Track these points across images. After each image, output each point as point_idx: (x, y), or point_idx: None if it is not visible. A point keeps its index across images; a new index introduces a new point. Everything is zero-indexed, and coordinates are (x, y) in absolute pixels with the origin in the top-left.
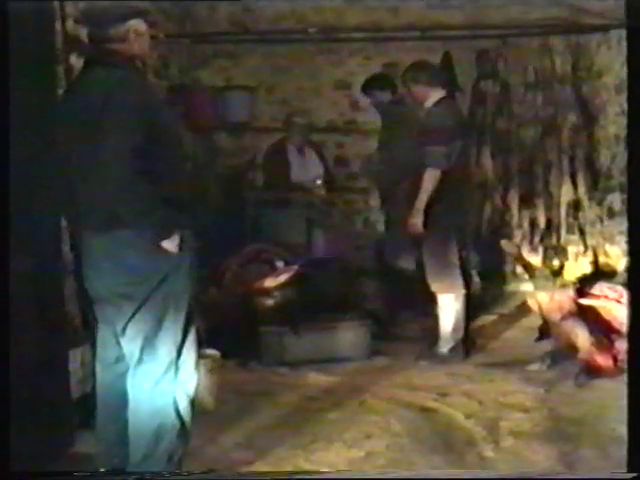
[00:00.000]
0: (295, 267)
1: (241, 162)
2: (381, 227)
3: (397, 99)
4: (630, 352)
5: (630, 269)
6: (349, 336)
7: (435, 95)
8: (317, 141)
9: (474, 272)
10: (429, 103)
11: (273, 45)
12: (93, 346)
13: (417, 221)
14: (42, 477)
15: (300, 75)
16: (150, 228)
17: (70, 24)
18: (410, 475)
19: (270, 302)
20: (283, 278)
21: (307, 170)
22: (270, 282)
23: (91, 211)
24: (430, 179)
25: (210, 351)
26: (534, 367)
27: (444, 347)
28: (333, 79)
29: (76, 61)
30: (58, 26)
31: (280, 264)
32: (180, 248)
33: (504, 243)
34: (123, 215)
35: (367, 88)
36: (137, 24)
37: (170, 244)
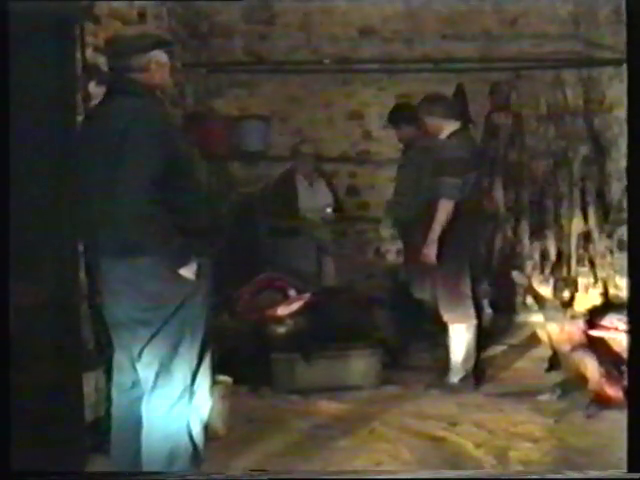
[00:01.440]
0: (307, 295)
1: (254, 191)
2: (392, 257)
3: (421, 133)
4: (630, 353)
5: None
6: (360, 364)
7: (449, 127)
8: (329, 171)
9: (485, 302)
10: (443, 135)
11: (287, 75)
12: (107, 371)
13: (430, 252)
14: (42, 477)
15: (314, 105)
16: (168, 255)
17: (89, 52)
18: (410, 475)
19: (282, 330)
20: (295, 306)
21: (316, 199)
22: (282, 310)
23: (110, 238)
24: (444, 210)
25: (222, 377)
26: (544, 397)
27: (455, 377)
28: (347, 110)
29: (94, 89)
30: (78, 54)
31: (292, 292)
32: (197, 275)
33: (515, 274)
34: (142, 243)
35: (394, 119)
36: (158, 55)
37: (187, 271)
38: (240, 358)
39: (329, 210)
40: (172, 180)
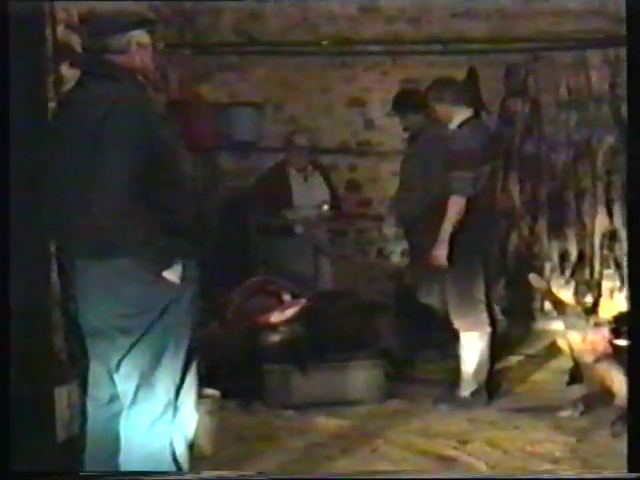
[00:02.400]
0: (303, 301)
1: (245, 185)
2: (396, 258)
3: (430, 121)
4: (630, 351)
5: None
6: (361, 377)
7: (461, 115)
8: (328, 163)
9: (499, 308)
10: (454, 124)
11: (282, 58)
12: (82, 384)
13: (441, 253)
14: (42, 477)
15: (310, 91)
16: (150, 257)
17: (61, 30)
18: (410, 475)
19: (276, 338)
20: (290, 312)
21: (311, 195)
22: (276, 317)
23: (86, 237)
24: (455, 207)
25: (209, 391)
26: (565, 414)
27: (466, 390)
28: (346, 96)
29: (67, 72)
30: (48, 32)
31: (287, 297)
32: (182, 278)
33: (532, 277)
34: (121, 243)
35: (399, 106)
36: (140, 35)
37: (171, 274)
38: (229, 370)
39: (326, 207)
40: (154, 174)
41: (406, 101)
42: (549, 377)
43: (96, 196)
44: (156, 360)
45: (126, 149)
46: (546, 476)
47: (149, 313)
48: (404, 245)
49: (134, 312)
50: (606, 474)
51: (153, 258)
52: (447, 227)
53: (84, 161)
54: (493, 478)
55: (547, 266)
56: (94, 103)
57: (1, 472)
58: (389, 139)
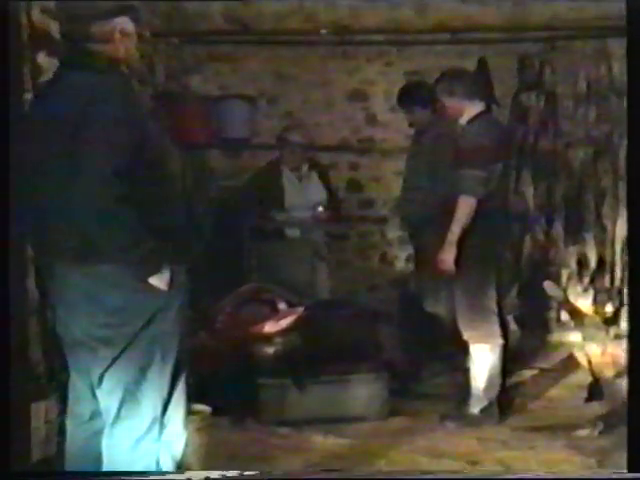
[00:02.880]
0: (300, 310)
1: (237, 185)
2: (400, 264)
3: (438, 117)
4: (630, 351)
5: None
6: (363, 392)
7: (472, 110)
8: (327, 162)
9: (511, 319)
10: (464, 119)
11: (277, 47)
12: (60, 399)
13: (449, 257)
14: (42, 477)
15: (308, 84)
16: (136, 262)
17: (37, 15)
18: (411, 475)
19: (270, 350)
20: (285, 322)
21: (305, 196)
22: (270, 327)
23: (66, 241)
24: (464, 208)
25: (198, 406)
26: (583, 433)
27: (475, 406)
28: (347, 89)
29: (45, 61)
30: (23, 17)
31: (282, 306)
32: (170, 285)
33: (547, 285)
34: (104, 246)
35: (404, 100)
36: (124, 22)
37: (158, 280)
38: (220, 384)
39: (320, 209)
40: (140, 172)
41: (412, 94)
42: (566, 393)
43: (77, 196)
44: (141, 373)
45: (109, 145)
46: (546, 476)
47: (134, 322)
48: (409, 250)
49: (118, 321)
50: (606, 474)
51: (139, 263)
52: (456, 230)
53: (64, 158)
54: (493, 478)
55: (564, 273)
56: (74, 95)
57: (1, 472)
58: (393, 135)
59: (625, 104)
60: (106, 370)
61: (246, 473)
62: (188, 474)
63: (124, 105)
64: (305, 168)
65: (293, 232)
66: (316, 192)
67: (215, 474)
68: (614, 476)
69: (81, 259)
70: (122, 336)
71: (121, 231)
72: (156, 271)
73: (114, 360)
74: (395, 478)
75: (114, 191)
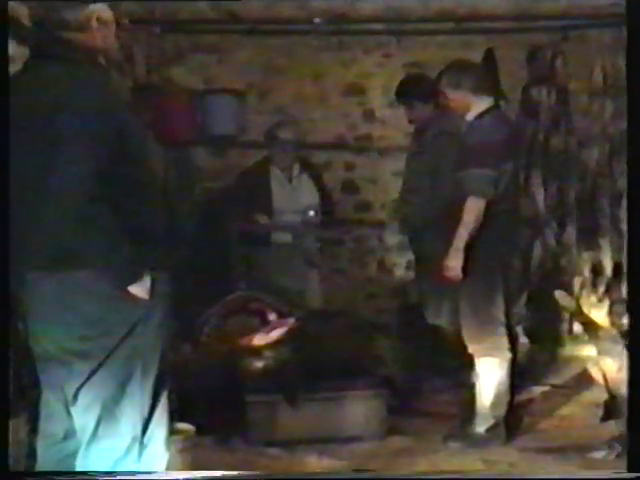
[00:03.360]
0: (291, 321)
1: (224, 186)
2: (400, 271)
3: (441, 113)
4: (630, 353)
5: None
6: (359, 409)
7: (479, 105)
8: (321, 161)
9: (520, 330)
10: (471, 115)
11: (267, 38)
12: (31, 418)
13: (455, 264)
14: (42, 477)
15: (301, 77)
16: (114, 268)
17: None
18: (410, 475)
19: (259, 364)
20: (276, 334)
21: (296, 199)
22: (260, 339)
23: (38, 246)
24: (472, 211)
25: (182, 425)
26: (598, 455)
27: (481, 426)
28: (343, 82)
29: (15, 50)
30: None
31: (272, 316)
32: (151, 294)
33: (559, 294)
34: (80, 252)
35: (405, 95)
36: (101, 9)
37: (139, 289)
38: (205, 401)
39: (312, 213)
40: (119, 170)
41: (412, 88)
42: (579, 411)
43: (50, 196)
44: (120, 389)
45: (86, 142)
46: (546, 476)
47: (112, 334)
48: (409, 256)
49: (95, 333)
50: (607, 474)
51: (117, 270)
52: (463, 233)
53: (36, 156)
54: (493, 478)
55: (577, 281)
56: (47, 88)
57: (0, 472)
58: (392, 133)
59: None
60: (82, 385)
61: (246, 473)
62: (186, 474)
63: (102, 99)
64: (296, 168)
65: (284, 237)
66: (308, 194)
67: (216, 474)
68: (614, 476)
69: (55, 266)
70: (100, 349)
71: (98, 234)
72: (136, 278)
73: (91, 375)
74: (395, 478)
75: (91, 190)
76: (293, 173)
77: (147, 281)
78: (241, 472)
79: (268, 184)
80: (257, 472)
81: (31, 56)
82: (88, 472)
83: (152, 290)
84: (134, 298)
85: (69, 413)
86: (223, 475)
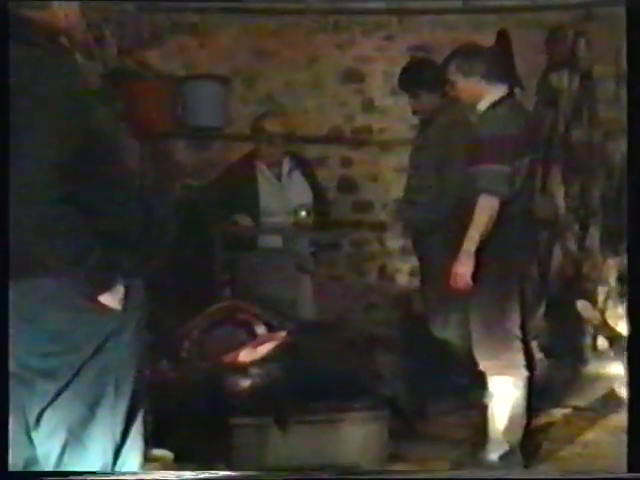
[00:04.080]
0: (282, 334)
1: (207, 183)
2: (403, 278)
3: (448, 102)
4: (629, 351)
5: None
6: (358, 433)
7: (493, 93)
8: (314, 156)
9: (537, 345)
10: (483, 105)
11: (254, 17)
12: None
13: (465, 270)
14: (42, 477)
15: (292, 61)
16: (83, 276)
17: None
18: (410, 475)
19: (246, 383)
20: (265, 349)
21: (285, 198)
22: (247, 355)
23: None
24: (485, 211)
25: (159, 452)
26: None
27: (494, 452)
28: (339, 68)
29: None
30: None
31: (261, 329)
32: (124, 304)
33: (581, 305)
34: (46, 258)
35: (409, 83)
36: None
37: (110, 298)
38: (185, 424)
39: (303, 213)
40: (88, 167)
41: (417, 75)
42: (605, 437)
43: (11, 196)
44: (89, 411)
45: (49, 134)
46: (548, 476)
47: (81, 349)
48: (412, 262)
49: (61, 349)
50: (607, 474)
51: (87, 277)
52: (474, 236)
53: None
54: (493, 478)
55: (601, 291)
56: (3, 75)
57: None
58: (394, 125)
59: None
60: (46, 408)
61: (244, 473)
62: (185, 474)
63: (67, 86)
64: (286, 164)
65: (274, 241)
66: (299, 193)
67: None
68: (614, 476)
69: (17, 273)
70: (66, 366)
71: (66, 239)
72: (108, 287)
73: (57, 396)
74: (395, 478)
75: (55, 188)
76: (283, 170)
77: (120, 290)
78: (241, 472)
79: (254, 182)
80: (257, 472)
81: None
82: (87, 472)
83: (125, 300)
84: (105, 309)
85: (30, 439)
86: (224, 475)
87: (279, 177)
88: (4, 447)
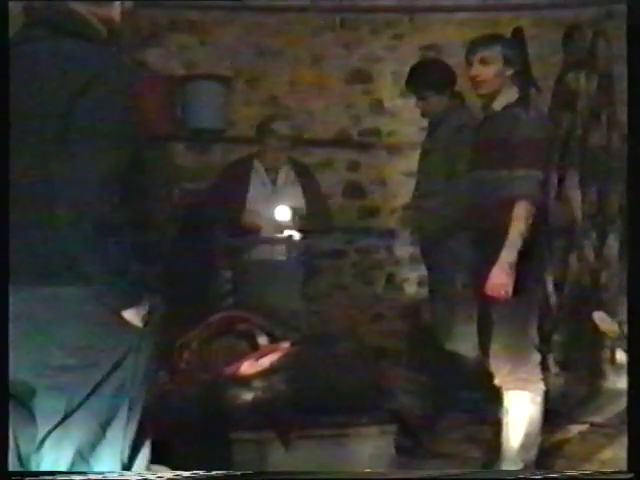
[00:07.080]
0: (285, 345)
1: (207, 187)
2: (411, 288)
3: (458, 103)
4: (630, 350)
5: None
6: (365, 449)
7: (508, 93)
8: (320, 159)
9: (552, 359)
10: (498, 104)
11: (258, 15)
12: None
13: (506, 280)
14: (41, 477)
15: (297, 61)
16: (114, 290)
17: None
18: (410, 475)
19: (248, 396)
20: (268, 361)
21: (275, 201)
22: (249, 367)
23: (26, 257)
24: (523, 218)
25: (156, 467)
26: None
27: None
28: (346, 68)
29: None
30: None
31: (263, 340)
32: (146, 321)
33: (598, 317)
34: (84, 267)
35: (418, 83)
36: None
37: (134, 314)
38: (184, 438)
39: (297, 219)
40: (135, 178)
41: (425, 76)
42: (624, 454)
43: (61, 200)
44: (100, 431)
45: (109, 141)
46: (547, 475)
47: (99, 365)
48: (421, 271)
49: (76, 363)
50: (606, 474)
51: (117, 292)
52: (516, 243)
53: (40, 154)
54: (493, 477)
55: (620, 301)
56: (61, 69)
57: None
58: (403, 127)
59: None
60: (53, 429)
61: (245, 473)
62: (186, 474)
63: (126, 86)
64: (285, 169)
65: (277, 249)
66: (291, 196)
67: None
68: (614, 476)
69: (40, 280)
70: (82, 383)
71: (112, 249)
72: (134, 302)
73: (69, 414)
74: (395, 478)
75: (112, 196)
76: (279, 175)
77: (144, 306)
78: (241, 472)
79: (246, 184)
80: (257, 472)
81: (25, 25)
82: (90, 472)
83: (148, 317)
84: (126, 325)
85: (21, 462)
86: (225, 475)
87: (274, 181)
88: (4, 447)
